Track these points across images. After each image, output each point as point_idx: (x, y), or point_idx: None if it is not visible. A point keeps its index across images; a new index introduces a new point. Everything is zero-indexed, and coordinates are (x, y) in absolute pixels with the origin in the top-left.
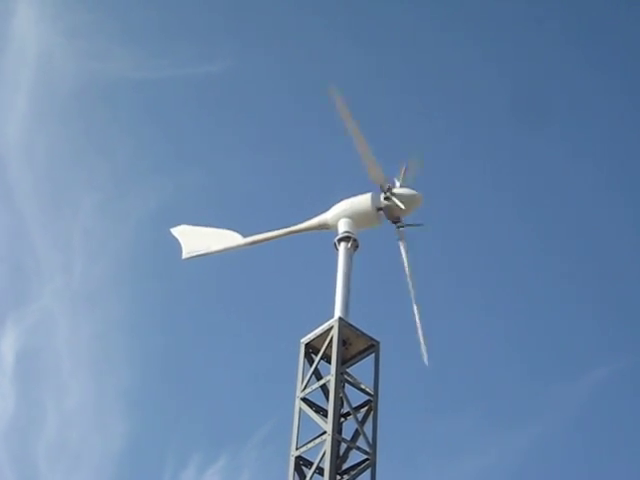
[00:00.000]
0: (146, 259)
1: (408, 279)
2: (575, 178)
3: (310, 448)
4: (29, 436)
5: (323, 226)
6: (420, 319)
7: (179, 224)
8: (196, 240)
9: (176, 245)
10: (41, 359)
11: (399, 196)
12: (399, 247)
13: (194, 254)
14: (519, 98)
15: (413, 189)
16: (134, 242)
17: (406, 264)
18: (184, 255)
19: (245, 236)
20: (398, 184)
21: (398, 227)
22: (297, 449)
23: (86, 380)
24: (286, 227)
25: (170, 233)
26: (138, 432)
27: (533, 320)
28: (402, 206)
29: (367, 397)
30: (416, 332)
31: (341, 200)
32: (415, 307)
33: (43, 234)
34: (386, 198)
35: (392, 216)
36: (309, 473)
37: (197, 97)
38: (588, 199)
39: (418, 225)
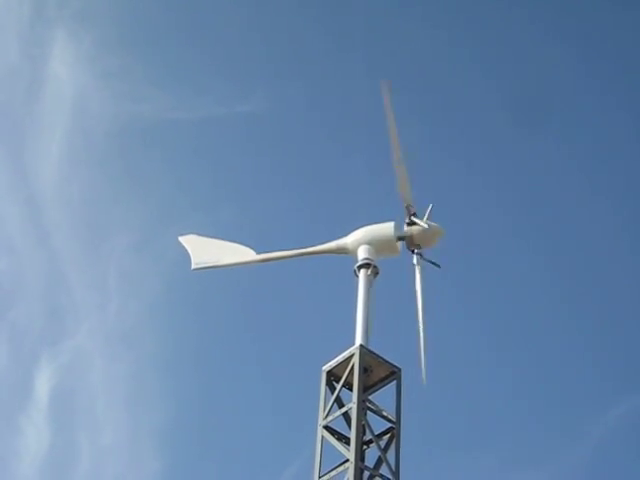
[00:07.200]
0: (180, 299)
1: (419, 304)
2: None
3: (333, 476)
4: (63, 473)
5: (342, 250)
6: (425, 342)
7: None
8: (206, 251)
9: (202, 282)
10: (76, 396)
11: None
12: (415, 272)
13: (204, 265)
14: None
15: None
16: (169, 281)
17: (419, 290)
18: (193, 266)
19: (259, 253)
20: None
21: (416, 254)
22: (320, 477)
23: (120, 417)
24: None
25: (178, 241)
26: (172, 469)
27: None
28: (425, 225)
29: (389, 424)
30: (418, 352)
31: (361, 227)
32: (421, 328)
33: (79, 274)
34: (409, 223)
35: (413, 244)
36: None
37: (232, 136)
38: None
39: (435, 265)
